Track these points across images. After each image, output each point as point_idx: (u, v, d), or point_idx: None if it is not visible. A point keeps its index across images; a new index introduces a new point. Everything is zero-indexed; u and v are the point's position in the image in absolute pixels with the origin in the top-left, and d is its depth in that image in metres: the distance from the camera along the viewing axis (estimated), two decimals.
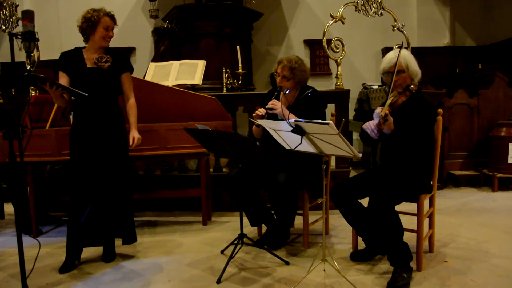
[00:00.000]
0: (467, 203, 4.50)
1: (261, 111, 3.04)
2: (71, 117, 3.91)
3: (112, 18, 2.94)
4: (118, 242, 3.12)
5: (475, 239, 3.35)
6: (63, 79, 2.91)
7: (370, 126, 2.66)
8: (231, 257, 2.86)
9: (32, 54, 4.67)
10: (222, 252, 3.18)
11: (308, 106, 3.12)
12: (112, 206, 2.97)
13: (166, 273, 2.87)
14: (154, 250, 3.31)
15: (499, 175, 4.99)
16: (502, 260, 2.90)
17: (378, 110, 2.62)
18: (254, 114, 3.08)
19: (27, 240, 3.07)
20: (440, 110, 2.88)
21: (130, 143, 3.05)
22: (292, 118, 2.90)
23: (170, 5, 6.42)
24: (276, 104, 3.02)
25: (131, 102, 3.08)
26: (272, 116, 3.15)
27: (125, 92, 3.06)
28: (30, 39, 2.33)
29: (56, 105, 3.72)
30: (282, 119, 2.94)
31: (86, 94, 2.75)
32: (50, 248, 3.37)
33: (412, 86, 2.73)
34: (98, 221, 2.96)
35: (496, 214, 4.06)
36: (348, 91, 4.44)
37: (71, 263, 2.95)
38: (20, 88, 5.15)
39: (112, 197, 2.97)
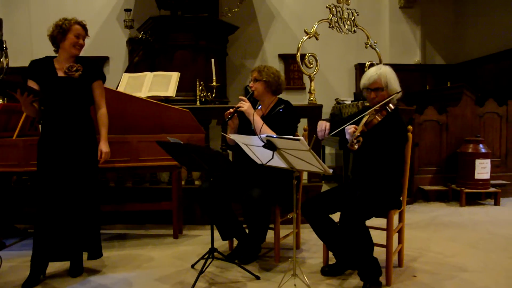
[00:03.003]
0: (436, 218, 4.59)
1: (230, 111, 3.14)
2: (40, 126, 3.82)
3: (84, 27, 2.92)
4: (85, 256, 3.04)
5: (443, 253, 3.41)
6: (32, 86, 2.84)
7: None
8: (201, 272, 2.82)
9: (0, 60, 4.56)
10: (192, 266, 3.14)
11: (280, 121, 3.13)
12: (78, 219, 2.90)
13: None
14: (123, 264, 3.24)
15: (467, 190, 5.12)
16: (468, 274, 2.96)
17: (351, 129, 2.60)
18: (225, 113, 3.15)
19: None
20: (410, 127, 2.93)
21: (98, 157, 3.00)
22: (266, 130, 2.94)
23: (146, 16, 6.41)
24: (244, 103, 3.10)
25: (102, 111, 3.04)
26: (245, 123, 3.15)
27: (96, 101, 3.02)
28: None
29: (24, 114, 3.63)
30: (254, 131, 2.97)
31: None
32: (13, 263, 3.25)
33: (390, 105, 2.73)
34: (65, 235, 2.87)
35: (463, 228, 4.16)
36: (320, 106, 4.48)
37: (36, 278, 2.85)
38: None
39: (79, 210, 2.89)
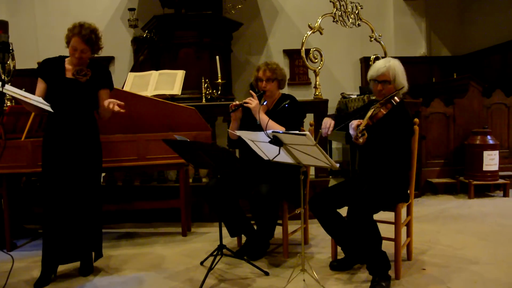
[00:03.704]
0: (444, 210, 4.57)
1: (235, 103, 3.15)
2: None
3: (83, 39, 2.81)
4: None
5: (452, 246, 3.40)
6: (41, 86, 2.88)
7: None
8: (210, 269, 2.84)
9: (7, 63, 4.59)
10: (201, 263, 3.16)
11: (285, 116, 3.14)
12: (82, 220, 2.91)
13: (145, 286, 2.83)
14: (133, 263, 3.26)
15: (475, 182, 5.09)
16: (477, 267, 2.95)
17: (355, 123, 2.57)
18: (230, 105, 3.17)
19: None
20: (416, 120, 2.92)
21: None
22: (271, 125, 2.95)
23: (150, 15, 6.42)
24: (252, 100, 3.09)
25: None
26: (251, 118, 3.16)
27: (102, 107, 2.98)
28: (3, 50, 2.30)
29: (32, 116, 3.66)
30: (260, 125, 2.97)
31: (51, 110, 2.70)
32: (24, 263, 3.28)
33: (395, 98, 2.71)
34: (72, 235, 2.89)
35: (471, 221, 4.14)
36: (326, 101, 4.48)
37: (47, 278, 2.88)
38: None
39: (82, 210, 2.90)
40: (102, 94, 2.97)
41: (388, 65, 2.75)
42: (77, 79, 2.86)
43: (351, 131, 2.57)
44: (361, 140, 2.50)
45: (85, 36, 2.82)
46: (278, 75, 3.20)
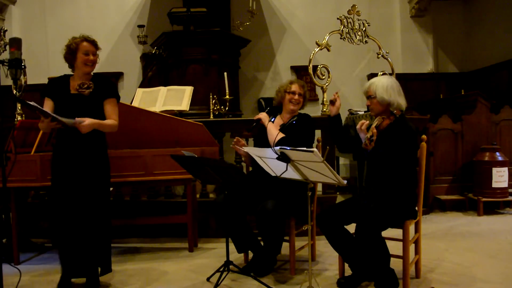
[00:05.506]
0: (453, 228, 4.52)
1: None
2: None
3: (91, 42, 2.95)
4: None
5: (461, 264, 3.36)
6: (48, 103, 2.93)
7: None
8: (217, 285, 2.83)
9: (19, 79, 4.66)
10: (208, 279, 3.14)
11: (295, 132, 3.17)
12: (91, 234, 2.92)
13: None
14: (139, 278, 3.25)
15: (484, 199, 5.04)
16: (487, 285, 2.91)
17: (359, 125, 2.75)
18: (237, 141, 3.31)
19: (7, 268, 3.01)
20: (424, 137, 2.92)
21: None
22: (276, 133, 3.08)
23: (159, 31, 6.51)
24: (260, 114, 3.36)
25: (111, 120, 3.00)
26: (264, 137, 3.20)
27: (107, 116, 2.99)
28: (16, 66, 2.34)
29: (41, 131, 3.70)
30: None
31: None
32: (30, 276, 3.28)
33: (395, 111, 2.79)
34: (81, 250, 2.90)
35: (481, 238, 4.09)
36: None
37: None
38: (5, 112, 5.13)
39: (91, 225, 2.91)
40: (107, 104, 2.99)
41: (371, 81, 2.88)
42: (81, 93, 2.91)
43: (361, 134, 2.72)
44: (369, 146, 2.61)
45: (91, 39, 2.96)
46: (305, 95, 3.42)
